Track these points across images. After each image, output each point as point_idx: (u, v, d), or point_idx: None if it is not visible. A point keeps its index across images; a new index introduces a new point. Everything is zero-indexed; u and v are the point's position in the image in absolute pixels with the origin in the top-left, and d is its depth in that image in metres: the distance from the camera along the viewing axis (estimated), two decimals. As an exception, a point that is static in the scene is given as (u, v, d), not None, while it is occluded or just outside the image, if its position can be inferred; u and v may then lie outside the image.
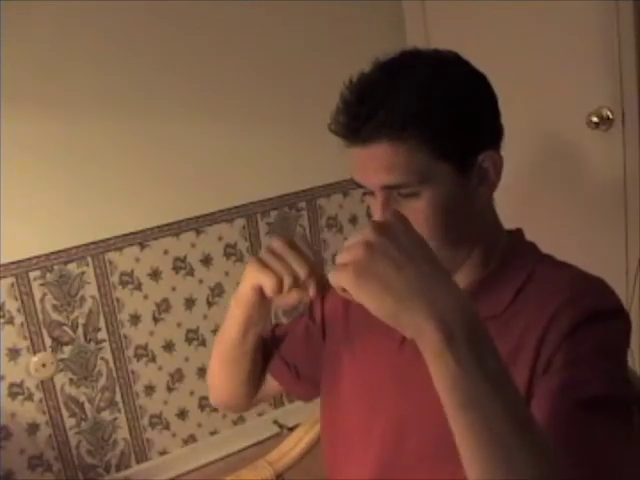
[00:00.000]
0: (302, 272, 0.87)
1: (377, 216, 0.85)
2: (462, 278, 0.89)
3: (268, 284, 0.88)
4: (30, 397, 2.07)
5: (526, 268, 0.89)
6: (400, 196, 0.84)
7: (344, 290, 0.67)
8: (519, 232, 0.96)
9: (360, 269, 0.65)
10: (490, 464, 0.63)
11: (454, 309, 0.64)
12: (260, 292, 0.91)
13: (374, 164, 0.83)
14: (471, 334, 0.64)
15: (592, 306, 0.81)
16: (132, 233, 2.16)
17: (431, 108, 0.82)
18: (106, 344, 2.16)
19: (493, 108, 0.88)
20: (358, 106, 0.82)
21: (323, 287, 0.88)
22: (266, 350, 1.08)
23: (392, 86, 0.83)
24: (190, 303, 2.28)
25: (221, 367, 1.06)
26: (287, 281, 0.88)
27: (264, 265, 0.89)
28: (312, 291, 0.88)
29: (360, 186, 0.88)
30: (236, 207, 2.31)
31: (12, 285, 2.00)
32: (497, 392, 0.63)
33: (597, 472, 0.69)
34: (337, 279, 0.67)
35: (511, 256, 0.91)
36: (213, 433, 2.38)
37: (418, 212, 0.83)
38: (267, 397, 1.14)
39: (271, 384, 1.10)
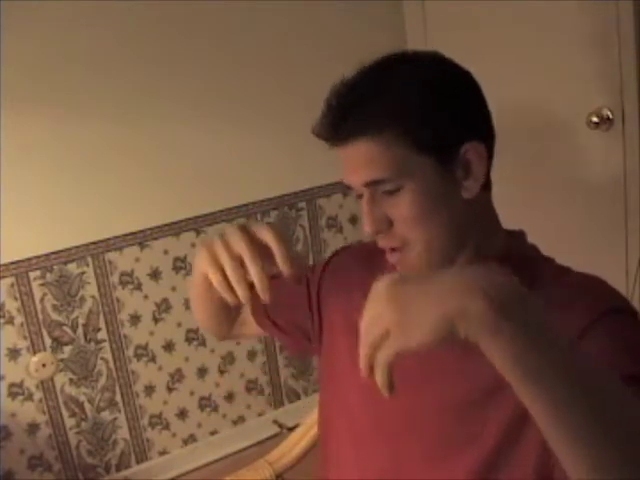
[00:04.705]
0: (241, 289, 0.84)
1: (364, 217, 0.86)
2: None
3: (214, 279, 0.86)
4: (30, 397, 2.06)
5: (528, 272, 0.86)
6: (384, 194, 0.84)
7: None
8: (521, 234, 0.94)
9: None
10: (582, 441, 0.57)
11: (494, 284, 0.58)
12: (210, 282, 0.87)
13: (354, 162, 0.85)
14: (521, 302, 0.58)
15: (612, 306, 0.79)
16: (132, 233, 2.16)
17: (405, 103, 0.83)
18: (106, 344, 2.16)
19: (474, 100, 0.88)
20: (336, 108, 0.85)
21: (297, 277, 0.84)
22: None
23: (367, 86, 0.85)
24: (190, 303, 2.28)
25: (193, 300, 1.11)
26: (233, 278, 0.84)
27: (215, 259, 0.88)
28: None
29: (350, 188, 0.89)
30: (236, 207, 2.31)
31: (12, 285, 2.00)
32: (572, 358, 0.58)
33: None
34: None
35: (511, 259, 0.87)
36: (213, 433, 2.38)
37: (402, 208, 0.84)
38: (251, 335, 1.21)
39: (254, 326, 1.15)
